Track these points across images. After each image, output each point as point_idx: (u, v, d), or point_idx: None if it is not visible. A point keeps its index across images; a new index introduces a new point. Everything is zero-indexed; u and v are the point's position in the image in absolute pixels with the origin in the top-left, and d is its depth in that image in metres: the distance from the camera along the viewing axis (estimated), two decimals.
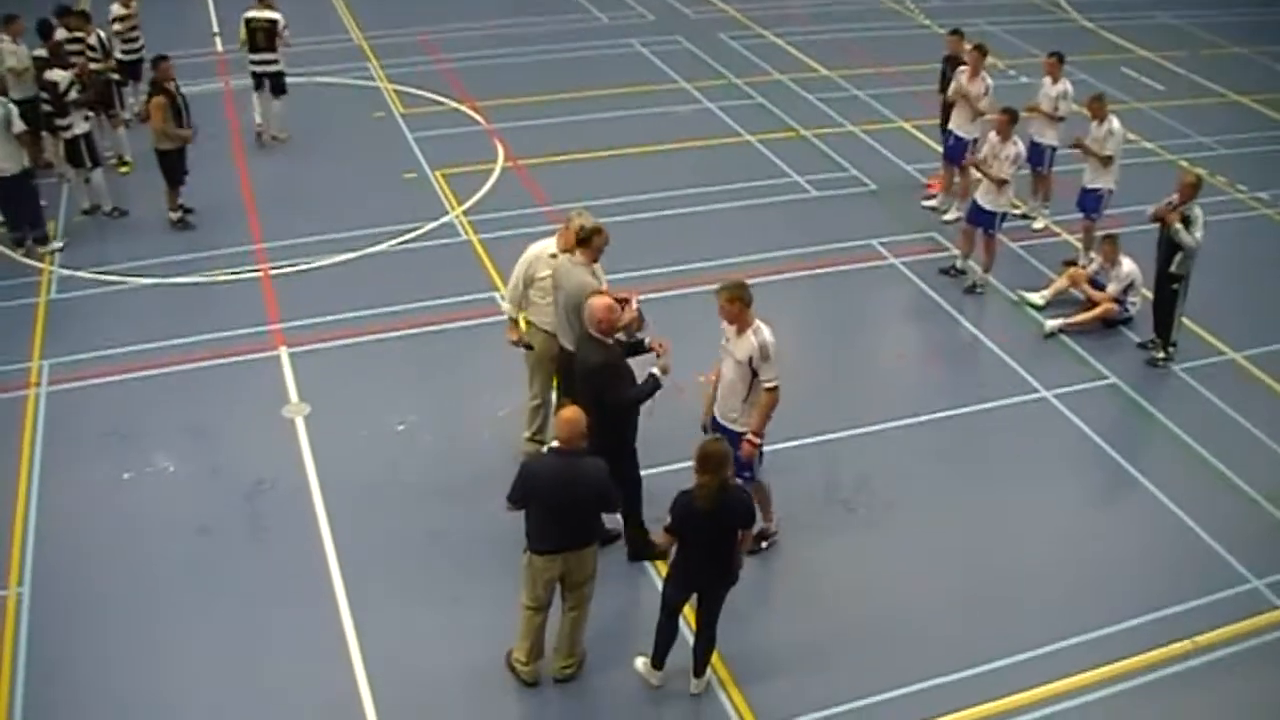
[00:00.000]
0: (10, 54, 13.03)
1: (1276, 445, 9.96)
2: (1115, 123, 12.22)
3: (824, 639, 7.88)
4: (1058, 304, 11.83)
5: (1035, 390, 10.62)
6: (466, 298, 11.68)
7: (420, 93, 17.03)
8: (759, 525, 7.62)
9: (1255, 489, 9.41)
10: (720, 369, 8.01)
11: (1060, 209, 13.39)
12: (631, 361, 7.96)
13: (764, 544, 8.46)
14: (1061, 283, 11.99)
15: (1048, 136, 13.21)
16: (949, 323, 11.81)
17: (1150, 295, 11.19)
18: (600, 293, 7.98)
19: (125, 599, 8.01)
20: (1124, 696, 7.52)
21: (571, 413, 6.82)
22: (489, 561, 8.22)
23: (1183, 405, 10.50)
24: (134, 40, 15.19)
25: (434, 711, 7.28)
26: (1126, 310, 11.59)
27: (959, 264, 12.49)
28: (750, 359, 7.65)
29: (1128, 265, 11.47)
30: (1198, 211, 10.58)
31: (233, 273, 12.11)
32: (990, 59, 14.01)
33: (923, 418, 10.21)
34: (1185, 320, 11.11)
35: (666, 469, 8.37)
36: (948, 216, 13.64)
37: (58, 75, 12.55)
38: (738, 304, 7.69)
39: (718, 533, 6.81)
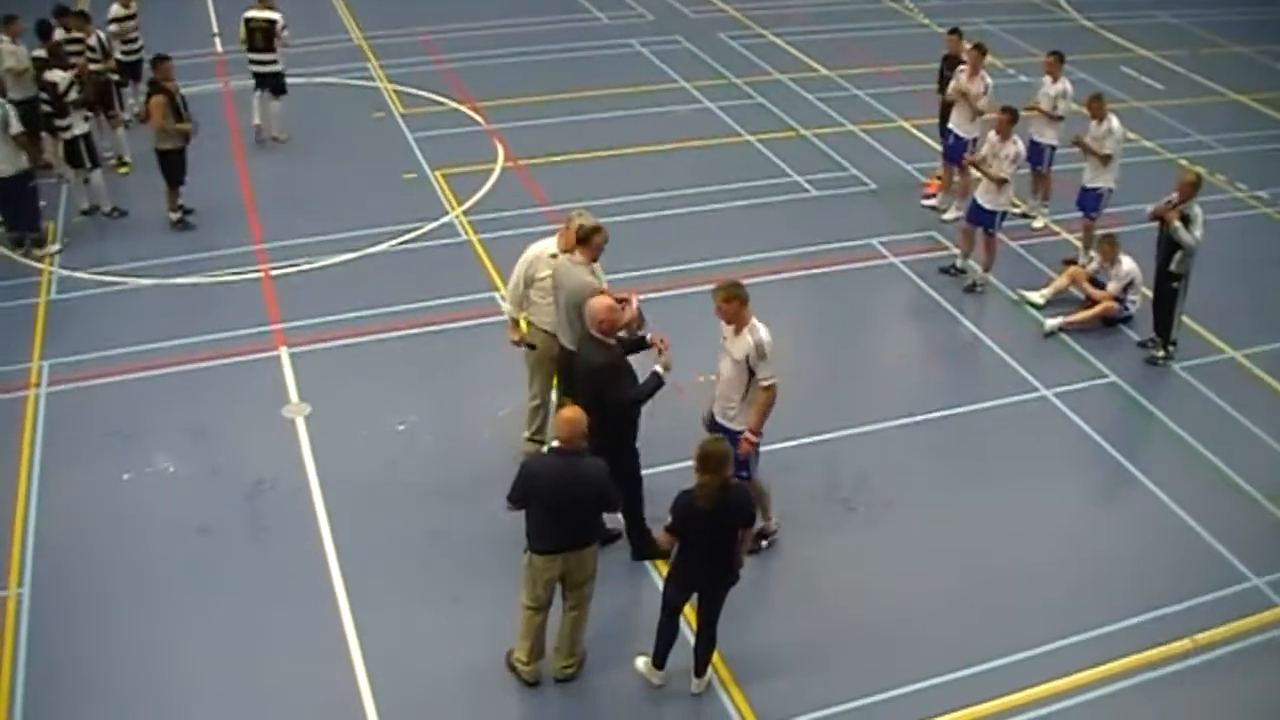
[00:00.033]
0: (10, 54, 13.04)
1: (1276, 444, 9.96)
2: (1115, 122, 12.21)
3: (824, 638, 7.89)
4: (1057, 303, 11.84)
5: (1035, 389, 10.62)
6: (466, 298, 11.68)
7: (420, 93, 17.03)
8: (758, 524, 7.62)
9: (1255, 487, 9.41)
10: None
11: (1060, 208, 13.40)
12: (633, 359, 7.96)
13: (763, 543, 8.46)
14: (1061, 281, 11.99)
15: (1047, 136, 13.21)
16: (949, 322, 11.81)
17: (1150, 294, 11.19)
18: (601, 293, 7.99)
19: (125, 599, 8.02)
20: (1124, 695, 7.52)
21: (572, 412, 6.82)
22: (489, 561, 8.22)
23: (1182, 404, 10.50)
24: (134, 41, 15.19)
25: (434, 711, 7.29)
26: (1126, 309, 11.59)
27: (959, 263, 12.49)
28: (747, 357, 7.66)
29: (1127, 264, 11.47)
30: (1197, 210, 10.58)
31: (233, 273, 12.11)
32: (989, 58, 14.01)
33: (922, 416, 10.21)
34: (1185, 319, 11.12)
35: (667, 469, 8.37)
36: (947, 216, 13.64)
37: (57, 76, 12.55)
38: (734, 303, 7.70)
39: (719, 532, 6.81)
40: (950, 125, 13.59)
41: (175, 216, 13.04)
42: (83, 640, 7.66)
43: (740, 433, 7.85)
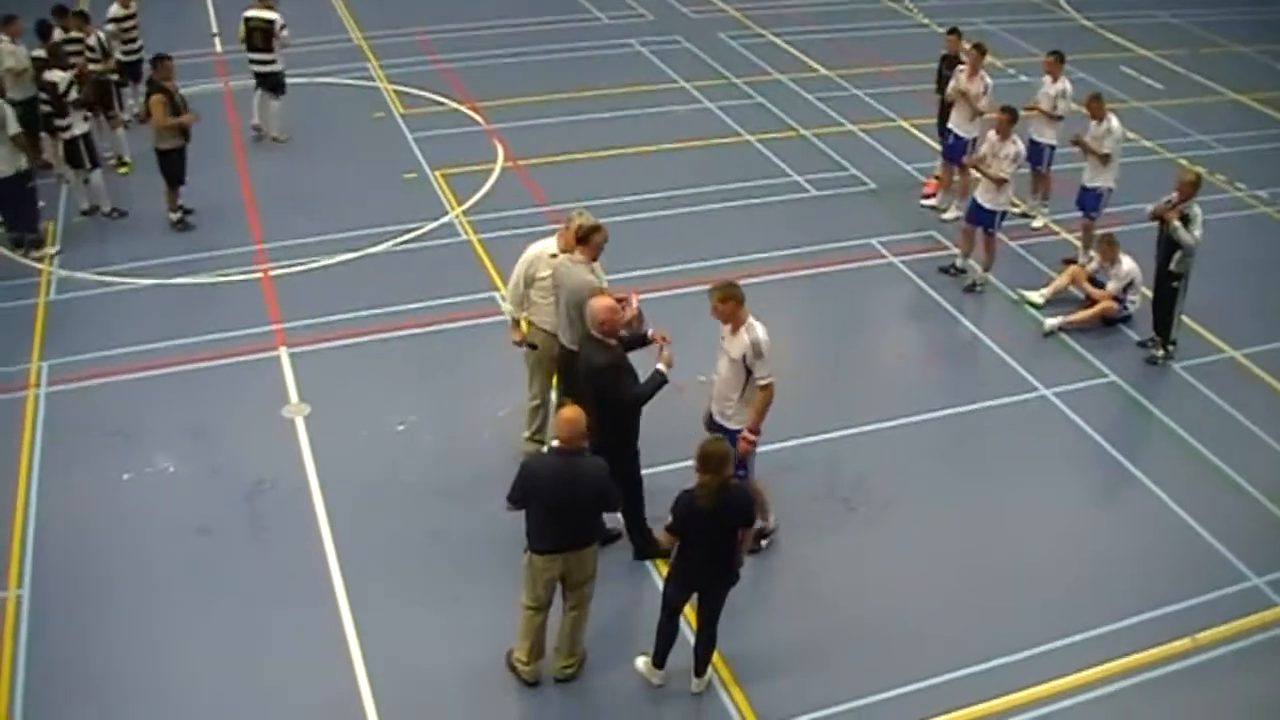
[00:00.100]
0: (9, 54, 13.02)
1: (1276, 443, 9.97)
2: (1114, 121, 12.22)
3: (824, 638, 7.89)
4: (1057, 302, 11.84)
5: (1035, 389, 10.62)
6: (466, 298, 11.68)
7: (420, 93, 17.03)
8: (757, 524, 7.62)
9: (1255, 487, 9.42)
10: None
11: (1059, 207, 13.40)
12: (633, 356, 7.96)
13: (763, 542, 8.46)
14: (1061, 281, 11.99)
15: (1047, 135, 13.21)
16: (948, 321, 11.81)
17: (1150, 293, 11.19)
18: (601, 292, 7.99)
19: (125, 599, 8.02)
20: (1124, 694, 7.52)
21: (572, 412, 6.81)
22: (489, 561, 8.23)
23: (1182, 403, 10.51)
24: (133, 41, 15.19)
25: (434, 711, 7.29)
26: (1126, 308, 11.60)
27: (959, 263, 12.49)
28: (744, 357, 7.66)
29: (1127, 263, 11.48)
30: (1197, 210, 10.58)
31: (233, 273, 12.11)
32: (989, 58, 14.01)
33: (922, 416, 10.21)
34: (1185, 318, 11.12)
35: (667, 468, 8.37)
36: (947, 215, 13.64)
37: (57, 76, 12.54)
38: (730, 303, 7.70)
39: (719, 532, 6.82)
40: (950, 125, 13.59)
41: (175, 217, 13.04)
42: (83, 640, 7.66)
43: (739, 432, 7.85)
